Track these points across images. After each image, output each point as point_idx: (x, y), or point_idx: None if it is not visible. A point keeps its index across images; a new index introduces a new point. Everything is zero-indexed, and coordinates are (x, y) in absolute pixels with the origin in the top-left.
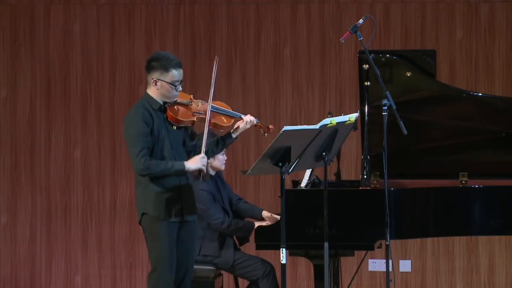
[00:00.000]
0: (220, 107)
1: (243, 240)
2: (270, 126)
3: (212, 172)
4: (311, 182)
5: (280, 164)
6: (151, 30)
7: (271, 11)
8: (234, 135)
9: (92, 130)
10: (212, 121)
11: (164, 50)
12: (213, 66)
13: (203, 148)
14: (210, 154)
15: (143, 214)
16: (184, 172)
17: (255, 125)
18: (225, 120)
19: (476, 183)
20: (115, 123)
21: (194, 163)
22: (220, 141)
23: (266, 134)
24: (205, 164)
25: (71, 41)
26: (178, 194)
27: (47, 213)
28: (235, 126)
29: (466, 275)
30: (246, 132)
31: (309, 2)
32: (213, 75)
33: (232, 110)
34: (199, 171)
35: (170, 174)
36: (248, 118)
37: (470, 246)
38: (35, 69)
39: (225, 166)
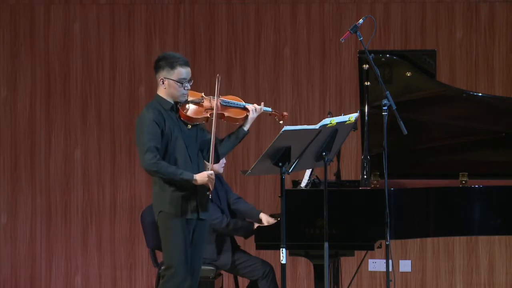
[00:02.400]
0: (230, 100)
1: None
2: (285, 113)
3: None
4: (311, 182)
5: (280, 164)
6: (151, 30)
7: (271, 11)
8: (245, 128)
9: (92, 130)
10: (226, 114)
11: (164, 50)
12: (215, 84)
13: (211, 164)
14: (224, 151)
15: (159, 212)
16: (191, 183)
17: (270, 114)
18: (238, 113)
19: (476, 183)
20: (115, 123)
21: (202, 178)
22: (232, 136)
23: (281, 121)
24: (213, 181)
25: (71, 41)
26: (194, 191)
27: (47, 213)
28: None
29: (466, 275)
30: None
31: (309, 2)
32: (216, 92)
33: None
34: (207, 187)
35: (176, 180)
36: (253, 107)
37: (470, 246)
38: (35, 69)
39: (223, 170)
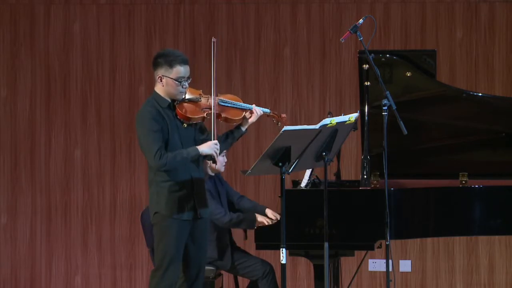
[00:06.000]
0: (229, 100)
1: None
2: (283, 115)
3: (211, 173)
4: (311, 182)
5: (280, 164)
6: (151, 30)
7: (271, 11)
8: (243, 128)
9: (92, 130)
10: (223, 115)
11: None
12: (211, 49)
13: (214, 135)
14: (220, 148)
15: (155, 213)
16: (198, 157)
17: (268, 115)
18: (235, 114)
19: (476, 183)
20: (115, 123)
21: (207, 147)
22: (230, 135)
23: (279, 123)
24: (218, 150)
25: (71, 41)
26: (191, 190)
27: (47, 213)
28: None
29: (466, 275)
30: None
31: (309, 2)
32: (213, 59)
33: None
34: (212, 157)
35: (187, 162)
36: (256, 110)
37: (470, 246)
38: (35, 69)
39: (224, 168)
